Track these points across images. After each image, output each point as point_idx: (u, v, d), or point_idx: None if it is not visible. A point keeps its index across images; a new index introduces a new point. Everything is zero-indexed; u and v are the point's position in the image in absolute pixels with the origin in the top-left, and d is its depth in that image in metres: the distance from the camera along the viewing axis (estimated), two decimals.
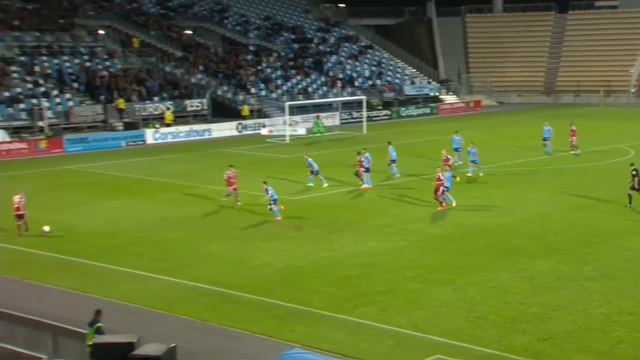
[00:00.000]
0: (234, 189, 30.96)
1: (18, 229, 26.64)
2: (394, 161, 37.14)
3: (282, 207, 28.77)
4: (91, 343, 14.77)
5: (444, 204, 29.78)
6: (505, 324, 18.18)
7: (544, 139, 42.68)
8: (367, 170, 34.23)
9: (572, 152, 42.70)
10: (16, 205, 26.56)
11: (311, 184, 34.85)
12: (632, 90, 74.48)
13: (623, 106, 71.78)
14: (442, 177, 29.84)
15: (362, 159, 34.49)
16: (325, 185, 34.49)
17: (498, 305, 19.38)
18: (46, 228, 26.49)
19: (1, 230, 27.33)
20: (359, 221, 28.28)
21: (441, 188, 29.62)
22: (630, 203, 29.22)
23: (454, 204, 29.85)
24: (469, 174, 36.06)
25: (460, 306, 19.33)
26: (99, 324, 15.21)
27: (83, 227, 27.86)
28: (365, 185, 34.15)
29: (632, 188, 29.30)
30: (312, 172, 34.65)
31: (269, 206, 28.30)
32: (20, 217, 26.64)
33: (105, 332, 15.23)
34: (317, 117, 55.20)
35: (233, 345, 17.34)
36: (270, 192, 28.22)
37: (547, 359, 16.29)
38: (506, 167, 39.53)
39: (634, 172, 29.37)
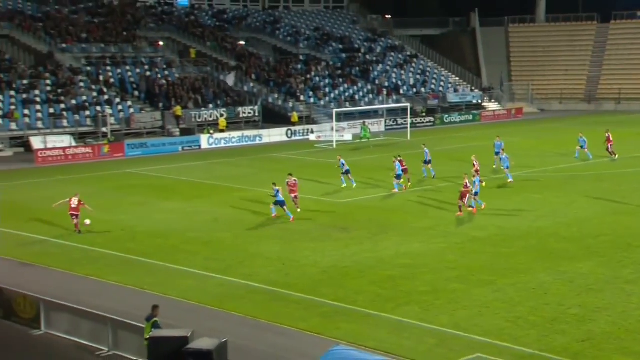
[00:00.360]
0: (295, 197, 30.02)
1: (75, 227, 27.31)
2: (427, 162, 37.12)
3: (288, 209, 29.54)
4: (148, 337, 14.97)
5: (461, 210, 29.06)
6: (545, 324, 17.90)
7: (581, 147, 42.01)
8: (398, 177, 34.04)
9: (610, 158, 41.99)
10: (73, 206, 27.27)
11: (344, 185, 35.03)
12: None
13: None
14: (468, 184, 29.33)
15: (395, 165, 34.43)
16: (354, 185, 34.81)
17: (538, 306, 19.09)
18: (87, 221, 27.26)
19: (65, 229, 27.89)
20: (402, 223, 28.15)
21: (467, 195, 29.18)
22: None
23: (483, 207, 29.54)
24: (510, 180, 35.45)
25: (501, 307, 19.08)
26: (155, 319, 15.40)
27: (142, 227, 28.27)
28: (395, 190, 34.02)
29: None
30: (343, 172, 35.02)
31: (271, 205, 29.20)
32: (75, 216, 27.32)
33: (162, 326, 15.40)
34: (364, 123, 55.15)
35: (281, 341, 17.39)
36: (278, 193, 28.73)
37: (587, 359, 16.00)
38: (547, 172, 38.92)
39: None
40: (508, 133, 51.85)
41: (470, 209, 29.52)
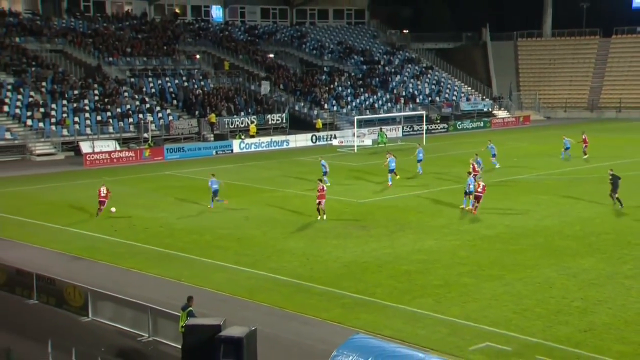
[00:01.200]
0: (319, 203, 28.19)
1: (98, 211, 29.22)
2: (419, 161, 38.91)
3: (226, 202, 30.45)
4: (184, 324, 15.03)
5: (472, 209, 29.18)
6: (550, 316, 17.69)
7: (565, 149, 42.96)
8: (392, 170, 35.58)
9: (584, 157, 42.85)
10: (102, 194, 29.25)
11: (328, 184, 35.23)
12: None
13: None
14: (481, 186, 29.29)
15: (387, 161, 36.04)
16: (328, 184, 34.98)
17: (543, 299, 18.88)
18: (113, 209, 28.94)
19: (110, 227, 28.13)
20: (417, 222, 28.00)
21: (476, 194, 29.11)
22: (614, 204, 29.61)
23: (466, 208, 29.44)
24: (497, 166, 38.24)
25: (509, 299, 18.90)
26: (190, 308, 15.45)
27: (179, 224, 28.40)
28: (389, 183, 35.36)
29: (612, 191, 29.75)
30: (324, 173, 35.82)
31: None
32: (102, 202, 29.26)
33: (196, 315, 15.45)
34: (381, 129, 55.06)
35: (306, 330, 17.38)
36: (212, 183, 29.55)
37: (588, 349, 15.76)
38: (553, 175, 38.50)
39: (610, 177, 30.02)
40: (516, 139, 51.45)
41: (468, 208, 29.40)
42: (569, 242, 24.62)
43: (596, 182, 36.04)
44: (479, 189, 29.24)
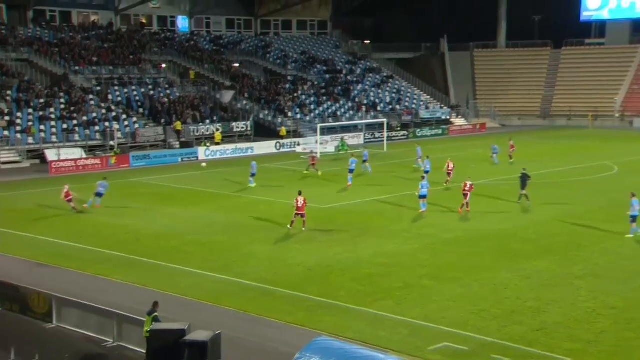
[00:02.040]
0: (297, 214, 27.14)
1: (73, 209, 30.88)
2: (365, 161, 41.87)
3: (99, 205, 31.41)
4: (149, 329, 14.84)
5: (466, 209, 30.15)
6: (505, 316, 17.93)
7: (494, 154, 44.69)
8: (352, 171, 37.56)
9: (509, 161, 44.78)
10: (65, 192, 30.90)
11: (252, 185, 37.11)
12: (617, 115, 73.35)
13: (608, 129, 70.70)
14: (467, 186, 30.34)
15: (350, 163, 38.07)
16: (253, 185, 37.06)
17: (499, 299, 19.13)
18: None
19: (76, 233, 27.66)
20: (379, 226, 28.14)
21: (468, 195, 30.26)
22: (519, 199, 31.65)
23: (422, 211, 30.10)
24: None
25: (466, 301, 19.11)
26: (156, 314, 15.25)
27: (146, 231, 28.06)
28: (349, 183, 37.07)
29: (521, 188, 31.72)
30: (252, 175, 37.14)
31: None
32: (69, 201, 30.90)
33: (161, 320, 15.27)
34: (343, 138, 55.43)
35: (270, 333, 17.31)
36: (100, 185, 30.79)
37: (540, 347, 16.02)
38: (509, 180, 39.08)
39: (521, 175, 31.96)
40: (474, 145, 52.11)
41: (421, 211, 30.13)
42: (523, 245, 25.00)
43: (550, 187, 36.72)
44: (466, 188, 30.20)
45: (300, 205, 26.93)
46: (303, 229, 27.16)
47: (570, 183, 37.91)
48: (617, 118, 72.97)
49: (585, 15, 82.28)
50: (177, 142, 54.03)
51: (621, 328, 17.04)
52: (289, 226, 27.31)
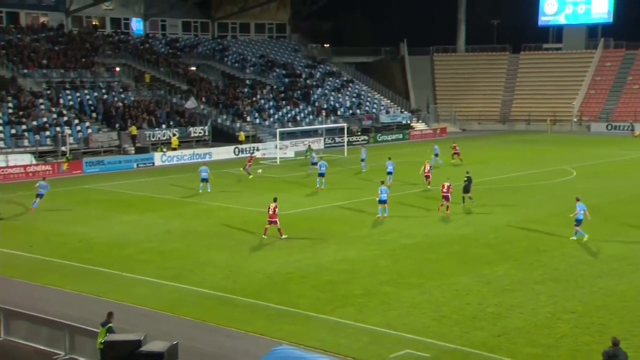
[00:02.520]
0: (271, 221, 26.76)
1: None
2: (314, 163, 42.85)
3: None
4: (103, 341, 14.59)
5: (445, 212, 31.45)
6: (466, 322, 18.14)
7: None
8: (322, 174, 38.44)
9: (455, 162, 47.22)
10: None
11: (200, 191, 37.25)
12: (575, 119, 75.08)
13: (567, 133, 72.33)
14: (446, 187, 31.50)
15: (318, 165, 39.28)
16: (202, 191, 36.96)
17: (460, 305, 19.34)
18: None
19: (25, 243, 27.05)
20: (340, 232, 28.22)
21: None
22: (464, 203, 32.85)
23: (379, 216, 30.67)
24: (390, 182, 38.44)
25: (428, 307, 19.27)
26: (110, 324, 15.01)
27: (99, 239, 27.60)
28: (318, 186, 38.11)
29: (464, 191, 33.00)
30: (202, 180, 37.44)
31: None
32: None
33: (116, 331, 15.03)
34: (309, 145, 55.74)
35: (229, 343, 17.18)
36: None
37: (501, 352, 16.25)
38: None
39: (465, 179, 33.18)
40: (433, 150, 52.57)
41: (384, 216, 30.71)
42: (484, 250, 25.36)
43: (509, 192, 37.36)
44: (444, 190, 31.34)
45: (271, 213, 26.60)
46: (281, 237, 26.61)
47: (529, 187, 38.62)
48: (575, 122, 74.71)
49: (542, 20, 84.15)
50: (132, 148, 53.31)
51: (580, 332, 17.40)
52: (263, 235, 26.96)
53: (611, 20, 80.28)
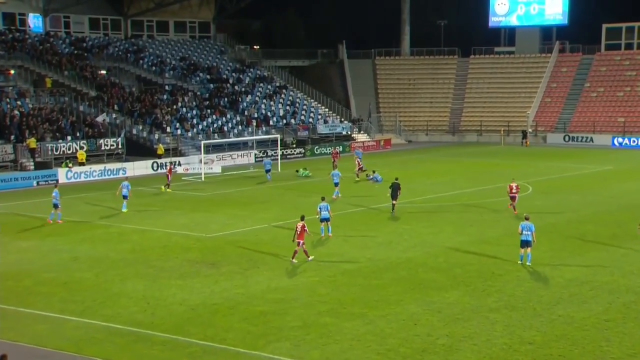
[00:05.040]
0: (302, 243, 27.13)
1: None
2: (268, 171, 48.82)
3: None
4: None
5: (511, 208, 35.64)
6: (415, 355, 18.31)
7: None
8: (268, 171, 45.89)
9: (362, 174, 49.72)
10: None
11: (123, 210, 37.35)
12: (530, 130, 77.30)
13: (521, 145, 74.28)
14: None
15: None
16: (124, 210, 37.30)
17: (408, 337, 19.53)
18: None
19: None
20: (273, 257, 28.14)
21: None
22: (393, 211, 36.14)
23: (322, 236, 31.35)
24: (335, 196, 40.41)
25: (372, 339, 19.37)
26: None
27: None
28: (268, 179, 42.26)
29: (392, 198, 36.23)
30: (124, 197, 37.68)
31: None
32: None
33: None
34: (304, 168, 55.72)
35: None
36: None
37: None
38: (415, 203, 40.21)
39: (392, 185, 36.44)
40: (378, 165, 53.26)
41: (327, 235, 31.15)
42: (433, 274, 25.73)
43: (459, 210, 38.08)
44: (512, 190, 36.02)
45: (299, 232, 26.91)
46: (308, 259, 27.26)
47: (481, 205, 39.47)
48: (531, 133, 76.97)
49: (493, 20, 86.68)
50: (32, 163, 51.96)
51: None
52: (293, 260, 27.17)
53: (566, 21, 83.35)
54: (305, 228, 27.05)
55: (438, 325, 20.45)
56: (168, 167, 47.24)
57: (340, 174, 42.10)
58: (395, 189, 36.28)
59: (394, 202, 36.26)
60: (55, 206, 34.87)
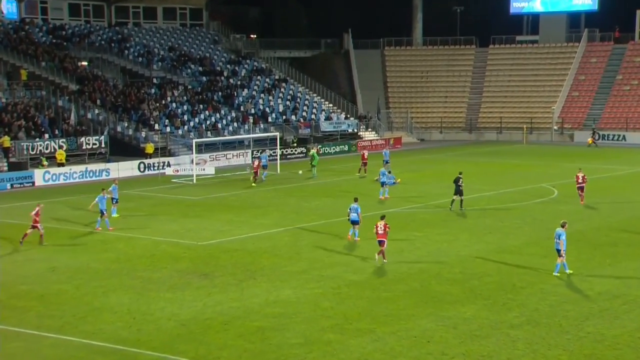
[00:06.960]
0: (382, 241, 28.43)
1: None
2: (264, 167, 50.31)
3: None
4: None
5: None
6: None
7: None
8: (265, 167, 49.02)
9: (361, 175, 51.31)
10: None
11: (113, 215, 37.28)
12: (555, 127, 77.25)
13: (546, 144, 74.34)
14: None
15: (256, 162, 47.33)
16: (114, 215, 37.24)
17: (420, 356, 19.52)
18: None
19: None
20: (272, 267, 28.16)
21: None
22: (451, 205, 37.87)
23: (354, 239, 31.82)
24: None
25: (380, 358, 19.38)
26: None
27: None
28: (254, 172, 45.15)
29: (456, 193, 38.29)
30: (101, 212, 36.54)
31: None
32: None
33: None
34: (314, 149, 56.61)
35: None
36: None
37: None
38: (428, 207, 40.20)
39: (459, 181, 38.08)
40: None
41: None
42: (448, 286, 25.71)
43: (476, 215, 38.07)
44: (580, 180, 39.07)
45: (381, 232, 27.87)
46: (384, 260, 28.15)
47: (502, 210, 39.46)
48: (556, 131, 76.95)
49: (515, 7, 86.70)
50: (5, 163, 52.11)
51: None
52: (383, 259, 28.35)
53: (596, 7, 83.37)
54: (388, 227, 28.09)
55: (453, 342, 20.44)
56: (256, 163, 49.76)
57: (386, 172, 42.69)
58: (455, 183, 38.53)
59: (461, 197, 38.53)
60: (102, 212, 34.68)
